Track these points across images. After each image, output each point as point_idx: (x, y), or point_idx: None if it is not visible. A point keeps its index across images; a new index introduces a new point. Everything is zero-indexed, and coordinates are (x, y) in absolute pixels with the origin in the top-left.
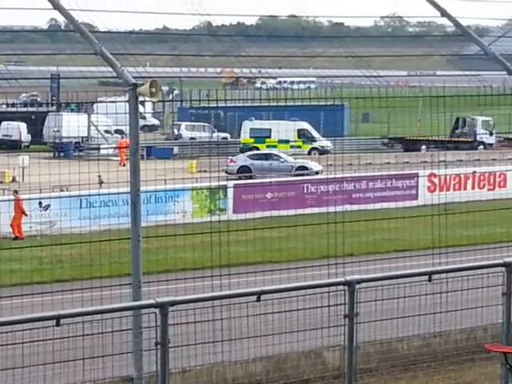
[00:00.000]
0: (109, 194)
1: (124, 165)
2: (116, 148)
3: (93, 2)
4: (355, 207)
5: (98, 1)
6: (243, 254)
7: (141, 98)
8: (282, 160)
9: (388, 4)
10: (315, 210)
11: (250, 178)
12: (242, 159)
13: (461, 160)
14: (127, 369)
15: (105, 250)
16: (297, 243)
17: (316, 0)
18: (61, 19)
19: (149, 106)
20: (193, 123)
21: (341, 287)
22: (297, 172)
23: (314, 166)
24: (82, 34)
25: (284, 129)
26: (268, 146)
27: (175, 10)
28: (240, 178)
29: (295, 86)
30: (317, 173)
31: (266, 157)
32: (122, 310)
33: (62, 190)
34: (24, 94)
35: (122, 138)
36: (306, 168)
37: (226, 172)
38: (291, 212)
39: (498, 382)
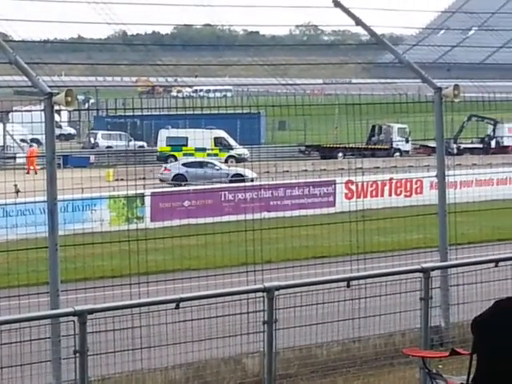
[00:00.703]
0: (25, 202)
1: (31, 172)
2: (27, 157)
3: (6, 11)
4: (273, 214)
5: (11, 10)
6: (161, 262)
7: (56, 107)
8: (217, 168)
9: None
10: (233, 217)
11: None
12: (177, 167)
13: (377, 167)
14: (46, 377)
15: (22, 259)
16: (215, 251)
17: (231, 9)
18: None
19: (65, 115)
20: (109, 132)
21: (260, 294)
22: (232, 179)
23: (248, 173)
24: None
25: (201, 137)
26: (185, 155)
27: (89, 19)
28: (175, 186)
29: (211, 95)
30: (252, 180)
31: (201, 164)
32: (41, 318)
33: None
34: None
35: (31, 146)
36: (241, 175)
37: (161, 180)
38: (209, 220)
39: None
